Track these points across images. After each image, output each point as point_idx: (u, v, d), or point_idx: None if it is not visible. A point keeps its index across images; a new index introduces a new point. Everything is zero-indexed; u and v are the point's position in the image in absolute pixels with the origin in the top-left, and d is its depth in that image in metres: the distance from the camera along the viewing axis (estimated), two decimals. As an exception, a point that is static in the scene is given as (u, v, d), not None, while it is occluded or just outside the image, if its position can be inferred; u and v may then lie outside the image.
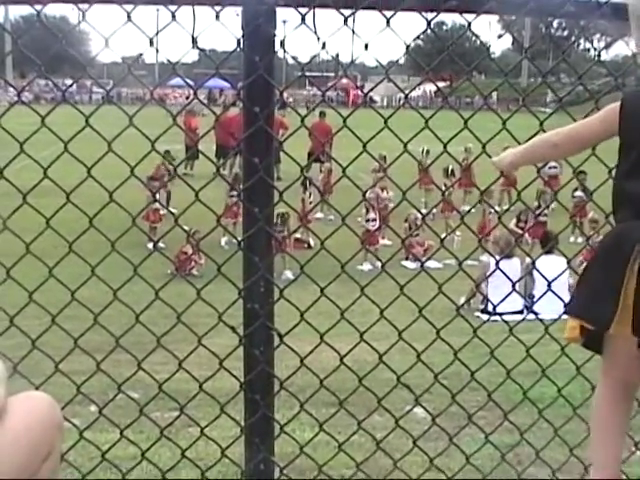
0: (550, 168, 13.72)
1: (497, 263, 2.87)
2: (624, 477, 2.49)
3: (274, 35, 2.24)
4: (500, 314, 3.32)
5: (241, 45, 2.21)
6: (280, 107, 28.89)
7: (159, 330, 2.48)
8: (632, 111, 2.27)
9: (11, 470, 1.74)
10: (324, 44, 2.23)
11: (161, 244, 10.23)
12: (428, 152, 15.65)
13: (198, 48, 2.15)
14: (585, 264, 2.33)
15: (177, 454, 2.63)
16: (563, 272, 2.93)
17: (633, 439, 2.98)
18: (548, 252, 8.66)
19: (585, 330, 2.32)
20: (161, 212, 13.59)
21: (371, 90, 2.84)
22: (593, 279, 2.28)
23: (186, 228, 2.62)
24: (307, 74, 2.64)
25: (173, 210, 12.69)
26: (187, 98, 47.76)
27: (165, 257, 2.66)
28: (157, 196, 11.86)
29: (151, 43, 2.17)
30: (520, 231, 12.73)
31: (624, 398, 2.37)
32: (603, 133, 2.35)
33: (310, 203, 14.05)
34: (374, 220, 12.96)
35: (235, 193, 12.42)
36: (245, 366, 2.44)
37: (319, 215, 15.92)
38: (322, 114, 19.48)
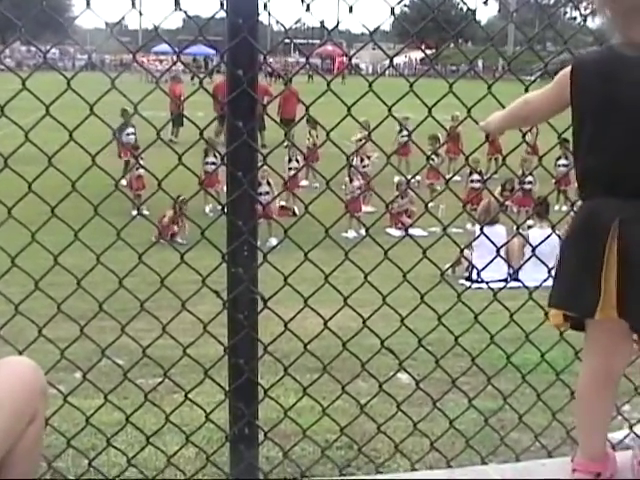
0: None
1: (481, 229, 2.87)
2: (610, 455, 2.50)
3: (258, -3, 2.22)
4: (486, 282, 3.32)
5: (224, 7, 2.18)
6: (268, 75, 28.67)
7: (143, 297, 2.48)
8: (582, 79, 2.17)
9: None
10: (308, 6, 2.21)
11: (145, 211, 10.21)
12: (407, 119, 15.48)
13: (181, 9, 2.12)
14: (560, 250, 2.25)
15: (162, 419, 2.63)
16: (546, 238, 2.93)
17: (616, 404, 3.01)
18: (540, 220, 8.77)
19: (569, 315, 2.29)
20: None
21: (356, 53, 2.81)
22: (571, 266, 2.22)
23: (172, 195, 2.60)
24: (292, 41, 2.62)
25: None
26: (160, 62, 46.95)
27: (149, 222, 2.65)
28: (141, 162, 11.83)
29: (133, 5, 2.14)
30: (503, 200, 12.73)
31: (608, 385, 2.35)
32: (557, 103, 2.27)
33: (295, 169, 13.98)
34: (358, 188, 12.94)
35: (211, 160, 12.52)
36: (229, 331, 2.44)
37: (304, 183, 15.91)
38: (290, 81, 19.58)
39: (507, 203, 13.52)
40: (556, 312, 2.32)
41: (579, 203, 2.33)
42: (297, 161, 14.39)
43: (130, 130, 15.10)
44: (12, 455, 1.80)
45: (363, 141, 12.73)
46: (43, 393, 1.92)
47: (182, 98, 19.98)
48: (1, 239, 2.34)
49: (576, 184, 2.27)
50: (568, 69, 2.21)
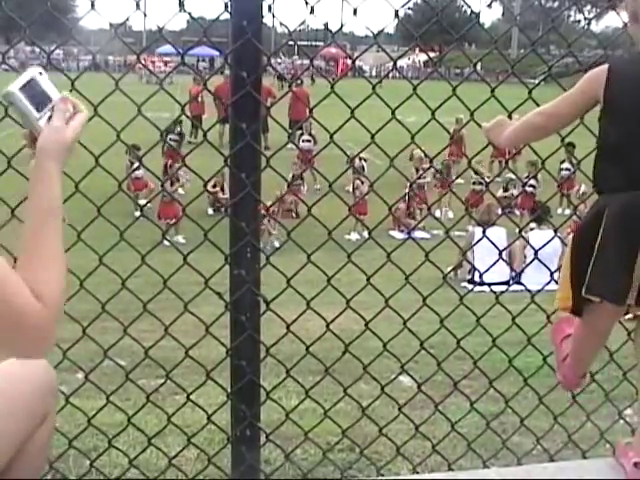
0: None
1: (484, 231, 2.87)
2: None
3: (262, -1, 2.22)
4: (488, 284, 3.32)
5: (229, 9, 2.19)
6: (277, 78, 28.81)
7: (146, 298, 2.48)
8: (620, 78, 2.21)
9: (7, 435, 1.73)
10: (312, 8, 2.21)
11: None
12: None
13: (185, 11, 2.12)
14: (599, 240, 2.24)
15: (163, 420, 2.64)
16: (549, 242, 2.93)
17: (618, 408, 3.01)
18: (539, 224, 8.74)
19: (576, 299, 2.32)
20: (150, 184, 13.55)
21: (360, 55, 2.81)
22: (609, 257, 2.23)
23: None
24: (296, 43, 2.63)
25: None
26: (166, 64, 46.80)
27: (152, 223, 2.65)
28: (136, 164, 11.91)
29: (137, 6, 2.14)
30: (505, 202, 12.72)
31: (603, 341, 2.46)
32: (584, 104, 2.30)
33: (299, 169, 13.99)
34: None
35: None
36: (231, 332, 2.44)
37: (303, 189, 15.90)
38: (300, 82, 19.69)
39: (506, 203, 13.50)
40: (566, 295, 2.34)
41: (578, 204, 2.34)
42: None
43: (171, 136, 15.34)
44: (22, 455, 1.79)
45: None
46: (54, 394, 1.92)
47: (198, 99, 20.21)
48: (4, 240, 2.33)
49: (593, 177, 2.31)
50: (599, 69, 2.25)
